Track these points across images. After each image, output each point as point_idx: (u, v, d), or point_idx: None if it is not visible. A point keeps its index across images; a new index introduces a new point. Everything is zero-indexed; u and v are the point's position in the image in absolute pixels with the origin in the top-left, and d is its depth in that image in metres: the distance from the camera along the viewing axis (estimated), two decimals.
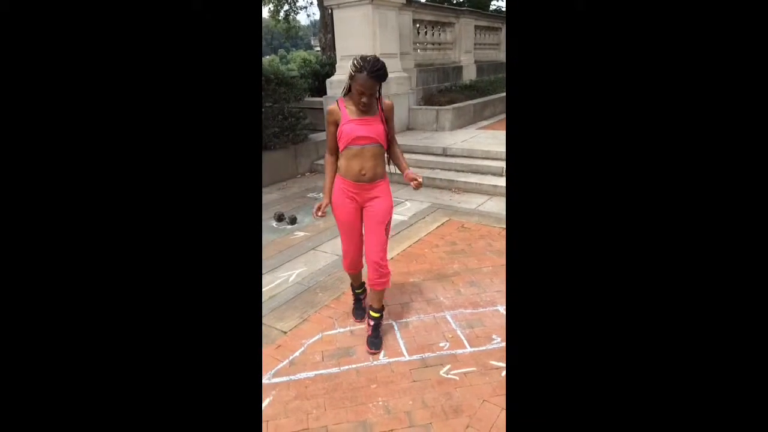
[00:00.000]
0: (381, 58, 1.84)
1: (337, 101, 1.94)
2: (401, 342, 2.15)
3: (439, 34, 7.90)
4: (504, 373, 1.89)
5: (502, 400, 1.73)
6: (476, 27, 8.83)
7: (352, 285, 2.37)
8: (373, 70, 1.78)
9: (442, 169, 4.99)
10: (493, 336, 2.16)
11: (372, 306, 2.16)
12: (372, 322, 2.14)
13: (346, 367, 1.98)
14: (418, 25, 7.29)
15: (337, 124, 1.94)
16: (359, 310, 2.36)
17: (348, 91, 1.91)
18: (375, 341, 2.11)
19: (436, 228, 3.57)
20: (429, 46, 7.73)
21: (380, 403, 1.76)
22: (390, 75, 6.83)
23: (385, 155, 2.03)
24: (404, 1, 6.40)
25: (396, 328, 2.26)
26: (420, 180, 1.95)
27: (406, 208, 4.18)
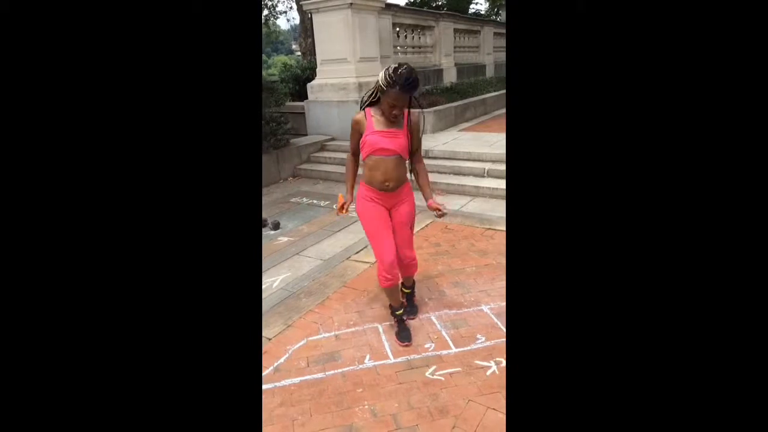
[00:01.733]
0: (407, 65, 1.81)
1: (363, 111, 1.95)
2: (386, 345, 2.14)
3: (419, 37, 7.96)
4: (489, 372, 1.91)
5: (487, 400, 1.74)
6: (455, 30, 8.91)
7: (391, 307, 2.23)
8: (406, 84, 1.76)
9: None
10: (478, 336, 2.17)
11: (404, 284, 2.36)
12: (405, 297, 2.37)
13: (332, 372, 1.97)
14: (398, 29, 7.33)
15: (361, 134, 1.97)
16: (405, 332, 2.17)
17: (375, 100, 1.91)
18: (411, 309, 2.36)
19: (420, 230, 3.58)
20: (409, 49, 7.77)
21: (366, 406, 1.75)
22: (371, 79, 6.81)
23: (407, 163, 2.05)
24: (383, 5, 6.43)
25: (381, 330, 2.26)
26: (445, 212, 1.99)
27: None
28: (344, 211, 2.06)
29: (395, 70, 1.78)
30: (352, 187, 2.13)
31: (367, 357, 2.06)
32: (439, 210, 1.98)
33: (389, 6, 6.73)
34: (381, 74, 1.81)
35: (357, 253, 3.22)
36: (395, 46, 7.28)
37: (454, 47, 8.87)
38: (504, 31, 11.66)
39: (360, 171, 2.12)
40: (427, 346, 2.12)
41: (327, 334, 2.25)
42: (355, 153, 2.08)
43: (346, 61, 6.13)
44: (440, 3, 16.33)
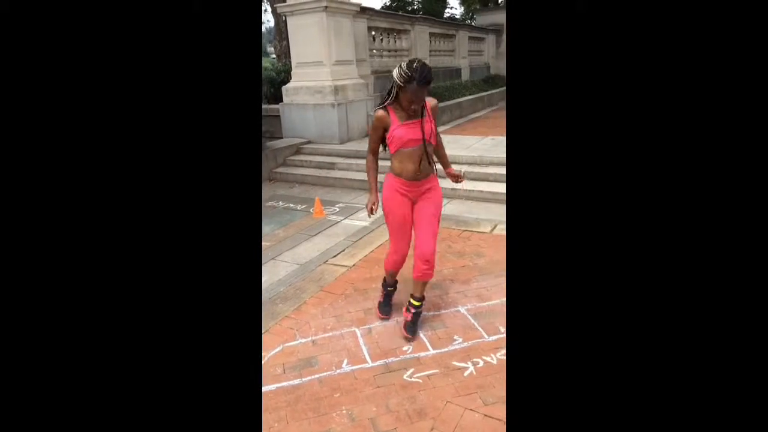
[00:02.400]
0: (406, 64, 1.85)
1: (385, 108, 1.97)
2: (364, 348, 2.13)
3: (395, 41, 7.99)
4: (466, 373, 1.92)
5: (464, 401, 1.75)
6: (431, 34, 8.99)
7: (385, 281, 2.38)
8: (421, 79, 1.80)
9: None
10: (455, 337, 2.18)
11: (414, 295, 2.22)
12: (413, 310, 2.22)
13: (308, 377, 1.94)
14: (373, 33, 7.34)
15: (385, 130, 2.00)
16: (387, 306, 2.37)
17: (394, 98, 1.94)
18: (413, 327, 2.20)
19: None
20: (385, 53, 7.80)
21: (344, 411, 1.73)
22: (347, 82, 6.78)
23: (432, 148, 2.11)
24: (358, 9, 6.43)
25: (359, 334, 2.24)
26: (463, 178, 2.14)
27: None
28: (373, 211, 2.13)
29: (409, 66, 1.82)
30: (376, 187, 2.14)
31: (345, 361, 2.04)
32: (459, 177, 2.13)
33: (364, 9, 6.74)
34: (395, 72, 1.86)
35: (334, 256, 3.20)
36: (371, 50, 7.29)
37: (430, 51, 8.95)
38: (478, 35, 11.84)
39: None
40: (405, 348, 2.11)
41: (303, 340, 2.22)
42: (375, 152, 2.12)
43: (322, 64, 6.10)
44: (415, 7, 16.46)
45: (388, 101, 1.96)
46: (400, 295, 2.60)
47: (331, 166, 5.60)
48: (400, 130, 1.96)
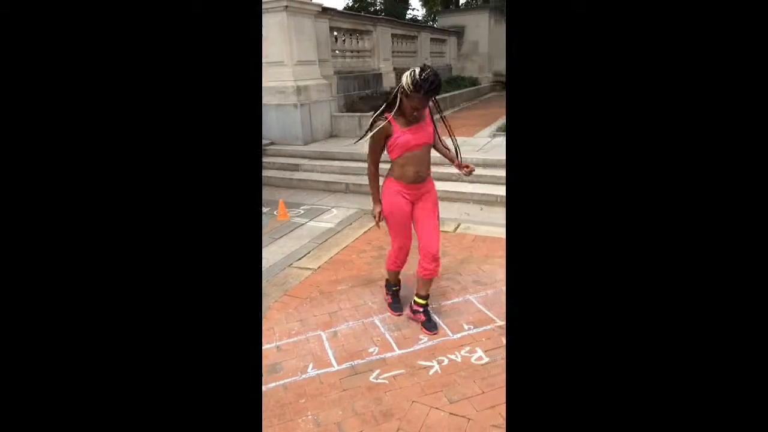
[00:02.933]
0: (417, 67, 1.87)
1: (386, 119, 1.97)
2: (330, 352, 2.11)
3: (357, 41, 7.98)
4: (431, 371, 1.94)
5: (430, 400, 1.76)
6: (393, 35, 9.04)
7: (389, 283, 2.47)
8: (429, 90, 1.83)
9: (367, 174, 5.02)
10: (420, 336, 2.20)
11: (419, 294, 2.27)
12: (421, 309, 2.28)
13: (273, 384, 1.91)
14: (335, 33, 7.31)
15: (386, 139, 2.03)
16: (398, 304, 2.45)
17: (397, 106, 1.94)
18: (431, 324, 2.26)
19: (363, 233, 3.58)
20: (348, 53, 7.77)
21: (309, 417, 1.71)
22: (310, 82, 6.70)
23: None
24: (320, 9, 6.39)
25: (324, 338, 2.23)
26: (472, 168, 2.17)
27: (332, 215, 4.15)
28: (380, 221, 2.19)
29: (420, 74, 1.83)
30: (380, 197, 2.19)
31: (310, 366, 2.01)
32: (468, 167, 2.17)
33: (326, 10, 6.69)
34: (406, 77, 1.86)
35: (299, 259, 3.16)
36: (334, 50, 7.25)
37: (393, 52, 8.99)
38: (440, 36, 12.01)
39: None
40: (371, 350, 2.11)
41: (268, 346, 2.18)
42: (377, 162, 2.14)
43: (283, 64, 6.02)
44: (378, 8, 16.51)
45: (393, 111, 1.97)
46: (364, 296, 2.60)
47: (295, 168, 5.53)
48: (405, 137, 1.99)
